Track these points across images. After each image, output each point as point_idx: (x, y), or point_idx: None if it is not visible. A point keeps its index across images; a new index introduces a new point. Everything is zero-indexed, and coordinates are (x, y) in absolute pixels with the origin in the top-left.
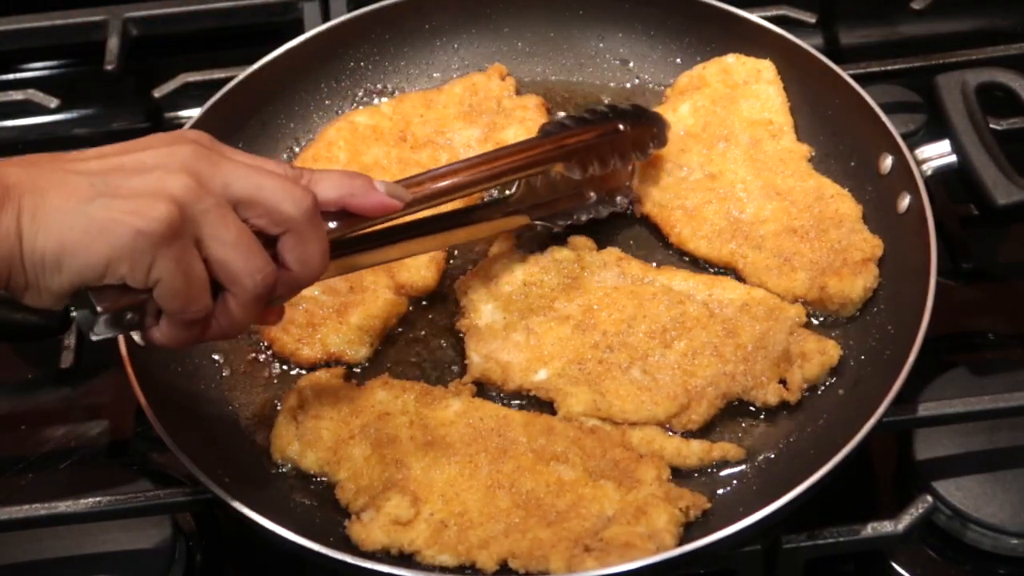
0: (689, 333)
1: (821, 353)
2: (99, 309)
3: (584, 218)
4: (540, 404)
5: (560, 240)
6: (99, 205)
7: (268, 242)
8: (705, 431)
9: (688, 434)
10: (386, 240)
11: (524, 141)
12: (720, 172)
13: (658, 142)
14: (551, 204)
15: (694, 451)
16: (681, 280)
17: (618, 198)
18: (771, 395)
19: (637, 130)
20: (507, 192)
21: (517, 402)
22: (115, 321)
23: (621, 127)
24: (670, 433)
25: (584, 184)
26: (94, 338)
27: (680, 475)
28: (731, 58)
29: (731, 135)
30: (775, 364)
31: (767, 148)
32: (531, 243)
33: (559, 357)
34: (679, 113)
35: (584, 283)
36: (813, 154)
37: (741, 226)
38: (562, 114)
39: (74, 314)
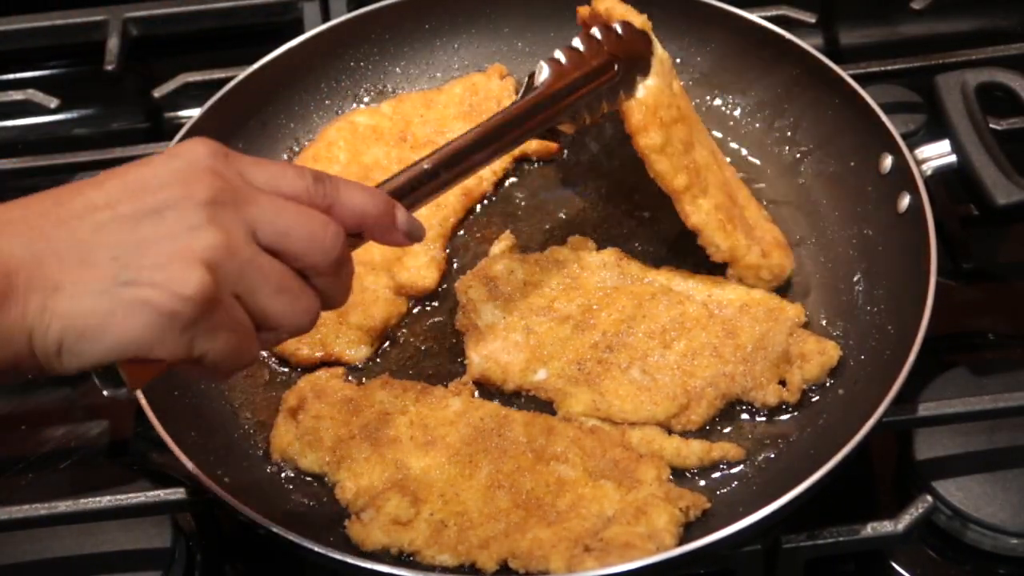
0: (689, 333)
1: (821, 354)
2: (127, 385)
3: (605, 107)
4: (540, 404)
5: (560, 240)
6: (123, 282)
7: None
8: (705, 431)
9: (688, 434)
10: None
11: (520, 103)
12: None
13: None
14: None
15: (694, 451)
16: (681, 280)
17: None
18: (771, 396)
19: (628, 62)
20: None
21: (517, 402)
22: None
23: (616, 67)
24: (670, 433)
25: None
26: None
27: (680, 475)
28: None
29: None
30: (775, 365)
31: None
32: (531, 243)
33: (559, 357)
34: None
35: (584, 283)
36: None
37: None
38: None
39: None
